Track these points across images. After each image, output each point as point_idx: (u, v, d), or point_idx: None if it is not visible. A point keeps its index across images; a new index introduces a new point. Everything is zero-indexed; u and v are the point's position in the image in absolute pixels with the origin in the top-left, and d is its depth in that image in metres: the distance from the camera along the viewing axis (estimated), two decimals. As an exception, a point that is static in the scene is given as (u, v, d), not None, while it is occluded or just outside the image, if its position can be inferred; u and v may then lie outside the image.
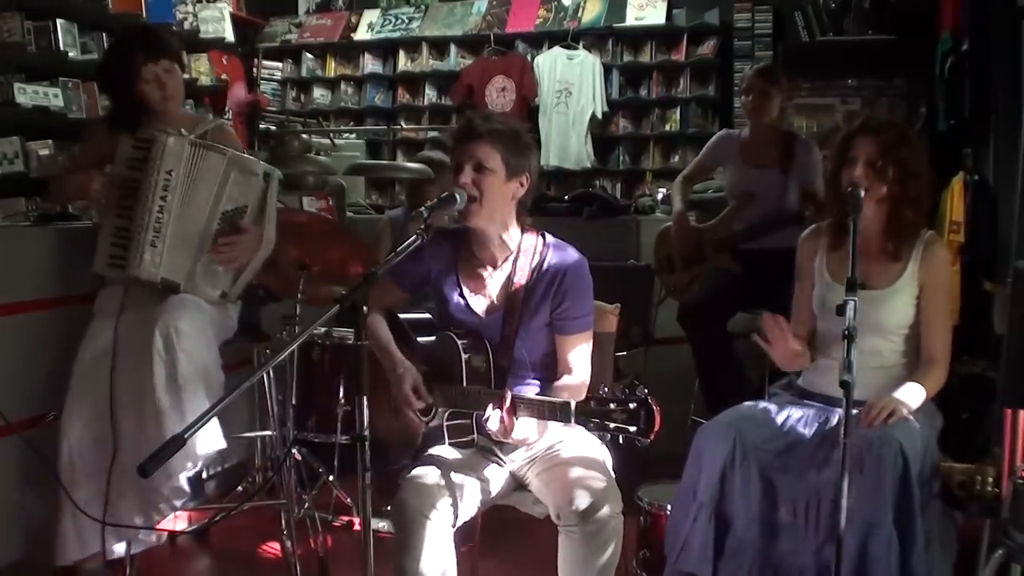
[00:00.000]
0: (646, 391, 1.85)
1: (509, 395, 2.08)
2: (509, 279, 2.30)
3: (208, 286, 2.80)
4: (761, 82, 3.66)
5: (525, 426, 2.11)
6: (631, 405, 1.85)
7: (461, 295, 2.33)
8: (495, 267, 2.33)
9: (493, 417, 2.09)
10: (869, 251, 2.40)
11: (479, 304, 2.33)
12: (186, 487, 2.66)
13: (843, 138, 2.43)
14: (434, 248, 2.27)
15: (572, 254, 2.33)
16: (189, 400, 2.58)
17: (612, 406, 1.87)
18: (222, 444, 2.73)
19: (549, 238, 2.36)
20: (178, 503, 2.70)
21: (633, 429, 1.84)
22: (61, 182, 2.92)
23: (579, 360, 2.30)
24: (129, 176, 2.71)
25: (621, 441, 1.88)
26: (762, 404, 2.47)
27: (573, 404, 1.95)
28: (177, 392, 2.58)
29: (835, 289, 2.41)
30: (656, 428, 1.83)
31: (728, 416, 2.40)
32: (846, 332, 2.00)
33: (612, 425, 1.86)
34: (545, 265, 2.30)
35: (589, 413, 1.90)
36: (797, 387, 2.54)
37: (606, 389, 1.91)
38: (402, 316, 2.53)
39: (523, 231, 2.33)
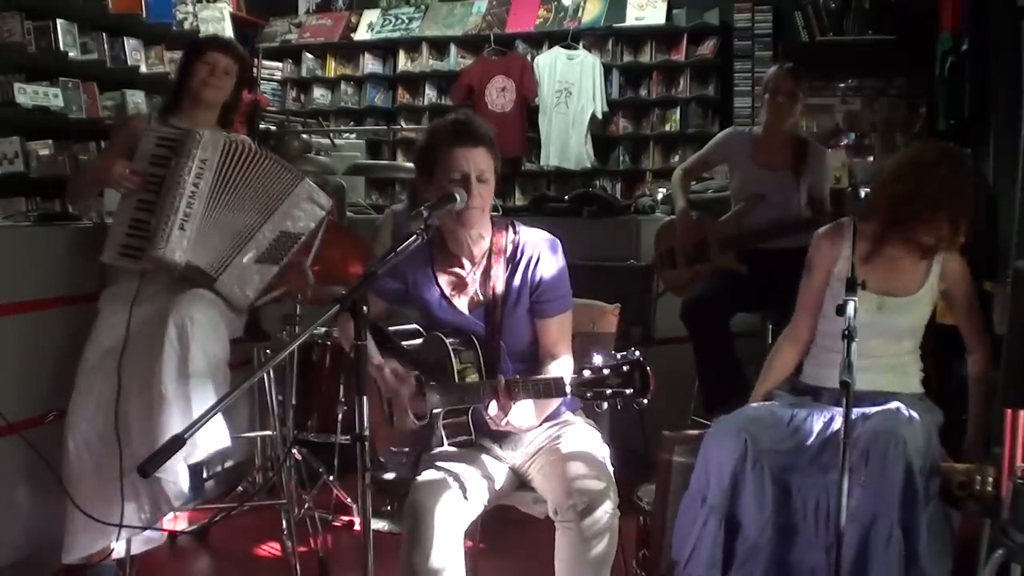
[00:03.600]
0: (637, 352, 1.87)
1: (503, 380, 2.10)
2: (487, 272, 2.32)
3: (239, 288, 2.81)
4: (791, 83, 3.63)
5: (523, 410, 2.12)
6: (624, 368, 1.87)
7: (442, 295, 2.34)
8: (473, 263, 2.34)
9: (492, 404, 2.10)
10: (896, 260, 2.45)
11: (461, 301, 2.34)
12: (185, 487, 2.64)
13: (928, 170, 2.38)
14: (409, 254, 2.26)
15: (543, 237, 2.35)
16: (196, 393, 2.56)
17: (606, 372, 1.89)
18: (227, 442, 2.72)
19: (518, 226, 2.37)
20: (177, 503, 2.68)
21: (630, 392, 1.86)
22: (84, 171, 2.96)
23: (561, 342, 2.32)
24: (151, 172, 2.75)
25: (619, 407, 1.89)
26: (767, 405, 2.47)
27: (567, 377, 1.96)
28: (185, 384, 2.56)
29: (862, 298, 2.40)
30: (652, 387, 1.86)
31: (736, 419, 2.40)
32: (846, 332, 2.00)
33: (609, 391, 1.88)
34: (519, 252, 2.32)
35: (584, 383, 1.91)
36: (801, 384, 2.54)
37: (596, 358, 1.92)
38: (390, 328, 2.53)
39: (493, 224, 2.35)
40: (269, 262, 2.85)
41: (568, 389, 1.96)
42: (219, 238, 2.77)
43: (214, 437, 2.65)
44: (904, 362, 2.48)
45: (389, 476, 2.42)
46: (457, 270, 2.35)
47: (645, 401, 1.87)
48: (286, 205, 2.83)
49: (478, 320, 2.31)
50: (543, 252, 2.31)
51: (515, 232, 2.35)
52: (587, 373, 1.92)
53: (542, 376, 2.13)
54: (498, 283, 2.30)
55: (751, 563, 2.25)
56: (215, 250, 2.76)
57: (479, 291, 2.33)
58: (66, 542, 2.63)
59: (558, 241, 2.35)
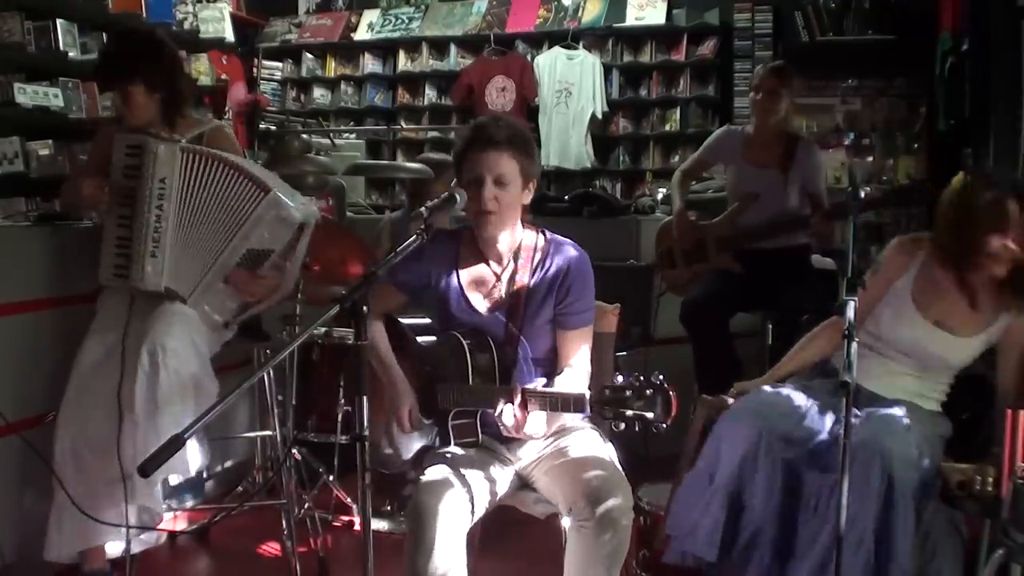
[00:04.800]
0: (661, 377, 1.86)
1: (519, 389, 2.08)
2: (512, 277, 2.30)
3: (213, 310, 2.79)
4: (773, 80, 3.63)
5: (536, 420, 2.11)
6: (647, 392, 1.85)
7: (462, 294, 2.33)
8: (499, 264, 2.33)
9: (506, 412, 2.08)
10: (961, 295, 2.36)
11: (481, 302, 2.32)
12: (155, 504, 2.64)
13: (996, 202, 2.26)
14: (434, 248, 2.26)
15: (574, 249, 2.33)
16: (164, 416, 2.54)
17: (628, 393, 1.87)
18: (189, 473, 2.74)
19: (548, 234, 2.36)
20: (159, 511, 2.69)
21: (651, 415, 1.85)
22: (67, 188, 2.92)
23: (580, 356, 2.30)
24: (126, 184, 2.69)
25: (637, 428, 1.88)
26: (784, 391, 2.45)
27: (588, 394, 1.95)
28: (154, 409, 2.55)
29: (915, 322, 2.38)
30: (673, 413, 1.84)
31: (751, 403, 2.40)
32: (846, 332, 2.00)
33: (629, 413, 1.86)
34: (548, 261, 2.30)
35: (605, 402, 1.90)
36: (831, 367, 2.51)
37: (619, 378, 1.91)
38: (402, 321, 2.53)
39: (524, 228, 2.34)
40: None
41: (587, 408, 1.95)
42: (192, 256, 2.72)
43: (182, 464, 2.64)
44: (929, 387, 2.44)
45: (389, 451, 2.40)
46: (482, 269, 2.33)
47: (664, 427, 1.85)
48: (249, 225, 2.71)
49: (496, 323, 2.30)
50: (574, 265, 2.29)
51: (546, 240, 2.33)
52: (609, 392, 1.90)
53: (563, 391, 2.10)
54: (523, 288, 2.28)
55: (755, 547, 2.26)
56: (189, 269, 2.72)
57: (501, 294, 2.31)
58: (48, 539, 2.62)
59: (587, 255, 2.33)
